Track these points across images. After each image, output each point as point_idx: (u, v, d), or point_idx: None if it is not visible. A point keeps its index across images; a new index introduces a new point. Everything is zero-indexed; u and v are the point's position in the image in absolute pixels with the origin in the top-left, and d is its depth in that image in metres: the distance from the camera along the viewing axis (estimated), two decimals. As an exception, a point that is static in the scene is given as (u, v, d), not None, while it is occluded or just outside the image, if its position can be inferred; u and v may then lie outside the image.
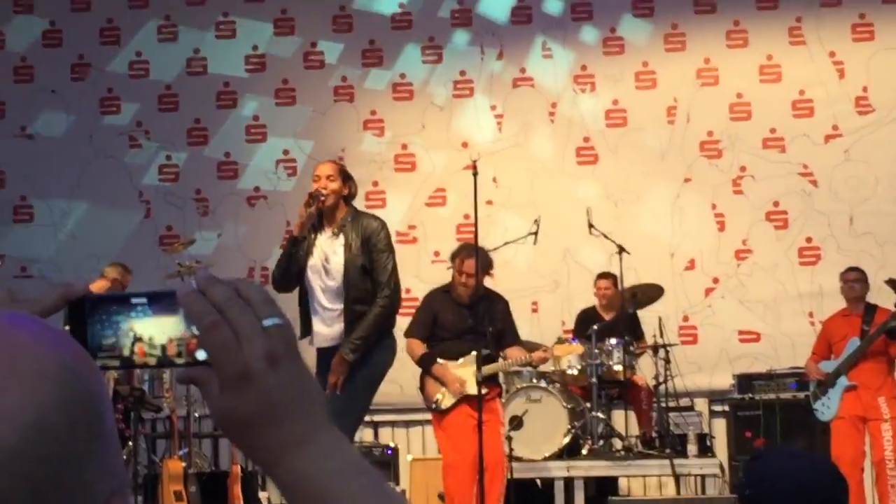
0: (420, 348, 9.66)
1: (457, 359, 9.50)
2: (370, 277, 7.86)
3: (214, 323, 1.25)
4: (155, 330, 1.32)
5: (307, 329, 7.90)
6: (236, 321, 1.25)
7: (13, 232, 13.35)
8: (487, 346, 9.40)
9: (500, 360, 9.69)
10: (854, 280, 10.73)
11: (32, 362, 1.09)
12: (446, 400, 9.51)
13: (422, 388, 9.75)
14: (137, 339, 1.32)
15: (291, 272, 7.91)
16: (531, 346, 10.58)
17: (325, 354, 7.82)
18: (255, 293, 1.29)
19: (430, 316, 9.70)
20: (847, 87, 12.84)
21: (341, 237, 7.88)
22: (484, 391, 9.11)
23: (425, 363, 9.62)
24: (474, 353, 9.26)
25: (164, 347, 1.32)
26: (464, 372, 9.42)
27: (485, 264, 9.56)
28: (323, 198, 7.81)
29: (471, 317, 9.50)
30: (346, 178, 8.00)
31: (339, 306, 7.87)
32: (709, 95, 12.98)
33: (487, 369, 9.32)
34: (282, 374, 1.26)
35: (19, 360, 1.08)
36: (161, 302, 1.32)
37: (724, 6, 13.05)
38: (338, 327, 7.87)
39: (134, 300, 1.33)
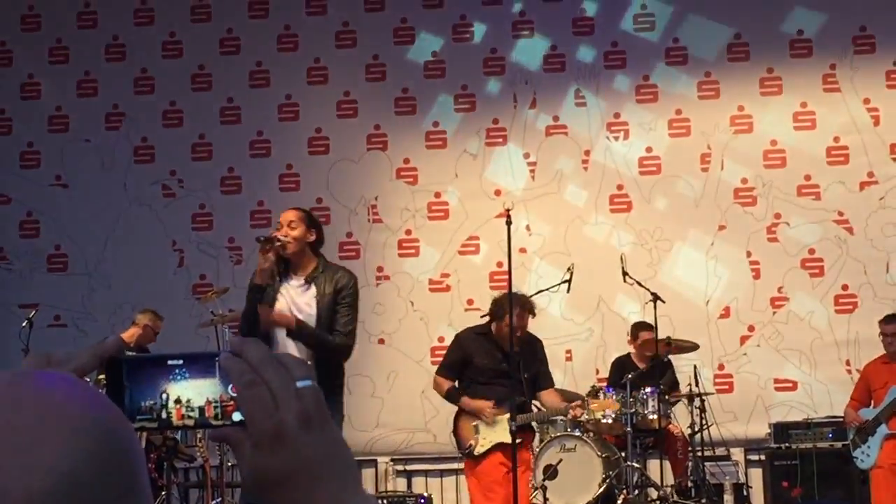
0: (447, 384, 9.69)
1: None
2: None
3: (253, 382, 1.27)
4: (192, 392, 1.33)
5: None
6: (272, 381, 1.27)
7: (47, 280, 13.39)
8: (523, 393, 9.41)
9: (535, 407, 9.69)
10: (893, 334, 10.65)
11: (67, 418, 1.12)
12: (480, 446, 9.51)
13: (455, 431, 9.73)
14: (175, 401, 1.32)
15: (258, 322, 7.58)
16: (567, 395, 10.57)
17: None
18: (287, 356, 1.30)
19: (462, 357, 9.71)
20: (882, 134, 12.80)
21: (313, 288, 7.64)
22: (518, 440, 9.10)
23: (453, 396, 9.64)
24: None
25: (201, 409, 1.33)
26: (500, 421, 9.43)
27: (531, 308, 9.69)
28: (279, 244, 7.60)
29: (504, 361, 9.48)
30: (310, 224, 7.74)
31: (304, 355, 7.51)
32: (743, 143, 12.95)
33: (522, 419, 9.32)
34: (315, 435, 1.27)
35: (55, 416, 1.12)
36: (198, 363, 1.33)
37: (758, 54, 13.03)
38: None
39: (171, 362, 1.33)
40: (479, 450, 9.52)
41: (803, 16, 13.04)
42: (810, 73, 12.97)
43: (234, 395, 1.30)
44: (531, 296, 10.29)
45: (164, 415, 1.32)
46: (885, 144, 12.77)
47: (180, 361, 1.33)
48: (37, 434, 1.10)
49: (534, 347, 9.80)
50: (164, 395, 1.32)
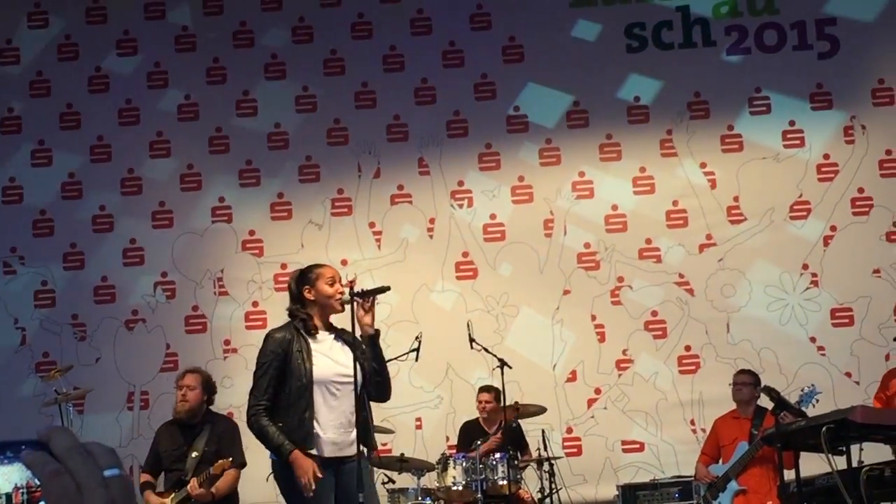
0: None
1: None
2: None
3: (55, 472, 1.25)
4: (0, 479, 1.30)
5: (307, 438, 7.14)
6: (77, 471, 1.26)
7: None
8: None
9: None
10: (742, 383, 10.86)
11: None
12: None
13: None
14: None
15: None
16: (419, 464, 10.60)
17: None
18: (96, 445, 1.29)
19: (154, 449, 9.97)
20: (718, 197, 13.06)
21: (341, 341, 7.43)
22: None
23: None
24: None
25: (9, 497, 1.30)
26: None
27: (210, 385, 10.03)
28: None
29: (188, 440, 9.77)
30: None
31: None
32: (584, 208, 13.12)
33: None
34: None
35: None
36: (3, 452, 1.30)
37: (597, 120, 13.23)
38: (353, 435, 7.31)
39: None
40: None
41: (639, 83, 13.30)
42: (648, 138, 13.20)
43: (39, 484, 1.29)
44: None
45: None
46: (721, 207, 13.04)
47: None
48: None
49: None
50: None
